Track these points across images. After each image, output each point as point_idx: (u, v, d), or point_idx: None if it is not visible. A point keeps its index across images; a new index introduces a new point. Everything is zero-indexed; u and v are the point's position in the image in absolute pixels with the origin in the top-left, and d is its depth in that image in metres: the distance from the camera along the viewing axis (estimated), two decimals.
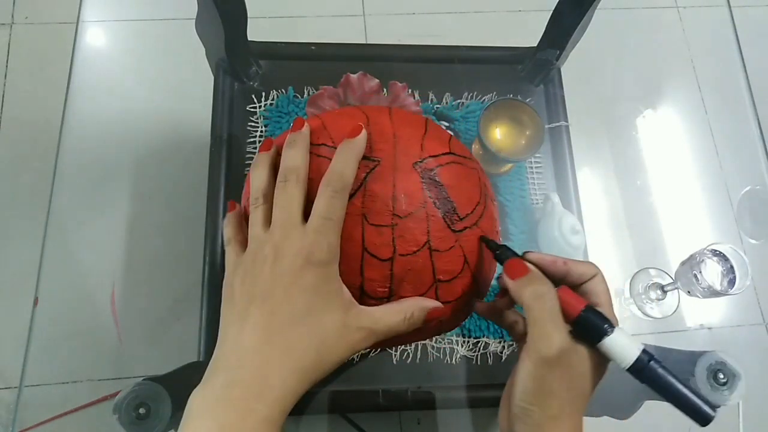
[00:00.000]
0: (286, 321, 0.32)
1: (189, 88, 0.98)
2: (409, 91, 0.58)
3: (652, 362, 0.33)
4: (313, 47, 0.70)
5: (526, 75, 0.70)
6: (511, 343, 0.59)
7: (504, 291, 0.37)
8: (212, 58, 0.66)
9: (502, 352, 0.59)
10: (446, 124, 0.67)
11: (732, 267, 0.65)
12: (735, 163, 0.99)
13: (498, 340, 0.59)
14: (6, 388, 0.85)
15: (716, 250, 0.65)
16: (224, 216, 0.39)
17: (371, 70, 0.56)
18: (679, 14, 1.17)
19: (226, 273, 0.36)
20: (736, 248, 0.65)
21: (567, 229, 0.58)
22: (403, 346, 0.59)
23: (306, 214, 0.34)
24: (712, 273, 0.65)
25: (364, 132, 0.35)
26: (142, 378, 0.45)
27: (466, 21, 1.14)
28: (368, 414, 0.65)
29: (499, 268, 0.59)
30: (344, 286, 0.34)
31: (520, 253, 0.38)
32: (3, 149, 1.00)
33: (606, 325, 0.33)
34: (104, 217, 0.91)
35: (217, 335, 0.34)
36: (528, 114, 0.61)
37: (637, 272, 0.76)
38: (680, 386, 0.32)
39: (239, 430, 0.29)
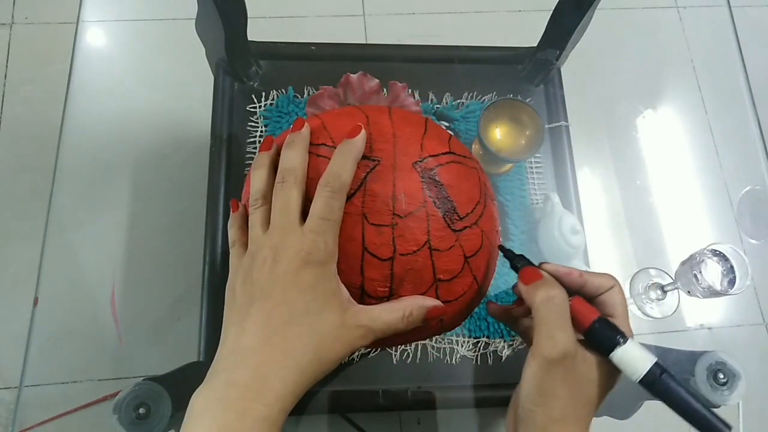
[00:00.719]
0: (284, 321, 0.32)
1: (189, 88, 0.98)
2: (409, 91, 0.58)
3: (664, 375, 0.32)
4: (313, 47, 0.70)
5: (526, 75, 0.70)
6: (511, 342, 0.59)
7: (521, 300, 0.37)
8: (212, 58, 0.66)
9: (502, 352, 0.59)
10: (446, 124, 0.67)
11: (732, 267, 0.65)
12: (735, 163, 0.99)
13: (498, 340, 0.59)
14: (6, 388, 0.85)
15: (716, 250, 0.65)
16: (225, 216, 0.39)
17: (371, 70, 0.57)
18: (679, 14, 1.17)
19: (229, 275, 0.36)
20: (736, 248, 0.64)
21: (567, 229, 0.58)
22: (403, 346, 0.59)
23: (305, 215, 0.34)
24: (712, 273, 0.65)
25: (363, 132, 0.36)
26: (142, 378, 0.45)
27: (466, 21, 1.14)
28: (368, 414, 0.65)
29: (507, 275, 0.60)
30: (342, 285, 0.34)
31: (536, 262, 0.38)
32: (3, 149, 1.00)
33: (618, 336, 0.33)
34: (104, 216, 0.91)
35: (217, 335, 0.34)
36: (528, 114, 0.61)
37: (637, 272, 0.76)
38: (694, 402, 0.32)
39: (238, 430, 0.29)
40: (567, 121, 0.68)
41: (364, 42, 1.07)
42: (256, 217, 0.35)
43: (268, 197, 0.36)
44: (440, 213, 0.36)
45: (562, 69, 0.71)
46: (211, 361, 0.33)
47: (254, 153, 0.64)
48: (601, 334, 0.34)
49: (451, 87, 0.69)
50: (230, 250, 0.37)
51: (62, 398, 0.80)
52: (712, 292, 0.63)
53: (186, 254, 0.81)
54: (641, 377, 0.32)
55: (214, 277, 0.58)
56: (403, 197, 0.35)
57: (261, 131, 0.65)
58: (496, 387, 0.58)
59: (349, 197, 0.35)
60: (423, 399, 0.56)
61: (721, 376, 0.47)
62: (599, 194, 0.89)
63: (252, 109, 0.66)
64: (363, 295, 0.35)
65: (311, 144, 0.37)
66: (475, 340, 0.59)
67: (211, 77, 0.67)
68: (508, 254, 0.39)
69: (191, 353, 0.56)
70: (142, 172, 0.94)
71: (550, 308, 0.34)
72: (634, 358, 0.33)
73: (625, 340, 0.33)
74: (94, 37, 1.06)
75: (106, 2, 1.09)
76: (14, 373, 0.85)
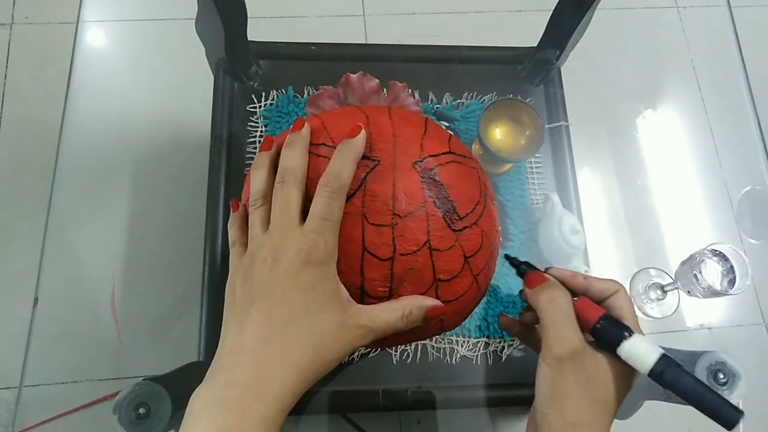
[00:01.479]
0: (284, 321, 0.32)
1: (189, 88, 0.98)
2: (409, 91, 0.58)
3: (671, 366, 0.32)
4: (313, 47, 0.70)
5: (526, 75, 0.70)
6: (511, 342, 0.59)
7: (529, 306, 0.37)
8: (212, 58, 0.66)
9: (502, 352, 0.59)
10: (446, 124, 0.67)
11: (732, 267, 0.65)
12: (735, 163, 0.99)
13: (498, 340, 0.59)
14: (6, 388, 0.85)
15: (716, 250, 0.65)
16: (225, 216, 0.39)
17: (371, 70, 0.57)
18: (679, 14, 1.17)
19: (229, 275, 0.36)
20: (736, 248, 0.64)
21: (567, 229, 0.58)
22: (402, 346, 0.59)
23: (305, 214, 0.34)
24: (712, 273, 0.65)
25: (363, 132, 0.36)
26: (142, 378, 0.45)
27: (466, 21, 1.14)
28: (368, 414, 0.65)
29: (507, 276, 0.60)
30: (342, 285, 0.34)
31: (541, 267, 0.38)
32: (3, 149, 1.00)
33: (623, 331, 0.34)
34: (104, 216, 0.91)
35: (217, 335, 0.34)
36: (528, 114, 0.61)
37: (637, 272, 0.76)
38: (703, 389, 0.32)
39: (237, 429, 0.29)
40: (567, 121, 0.68)
41: (364, 42, 1.07)
42: (256, 217, 0.36)
43: (268, 197, 0.36)
44: (440, 213, 0.36)
45: (562, 69, 0.71)
46: (211, 361, 0.33)
47: (254, 153, 0.64)
48: (606, 330, 0.34)
49: (451, 87, 0.69)
50: (230, 250, 0.37)
51: (62, 398, 0.80)
52: (712, 292, 0.63)
53: (186, 254, 0.81)
54: (650, 369, 0.32)
55: (214, 277, 0.58)
56: (403, 197, 0.35)
57: (261, 131, 0.65)
58: (496, 387, 0.58)
59: (349, 197, 0.35)
60: (423, 399, 0.56)
61: (721, 376, 0.47)
62: (599, 194, 0.89)
63: (252, 109, 0.66)
64: (363, 295, 0.35)
65: (311, 144, 0.37)
66: (475, 340, 0.59)
67: (211, 77, 0.67)
68: (514, 262, 0.39)
69: (191, 353, 0.56)
70: (142, 172, 0.94)
71: (554, 309, 0.34)
72: (641, 351, 0.33)
73: (631, 333, 0.34)
74: (94, 37, 1.05)
75: (106, 2, 1.09)
76: (14, 373, 0.85)
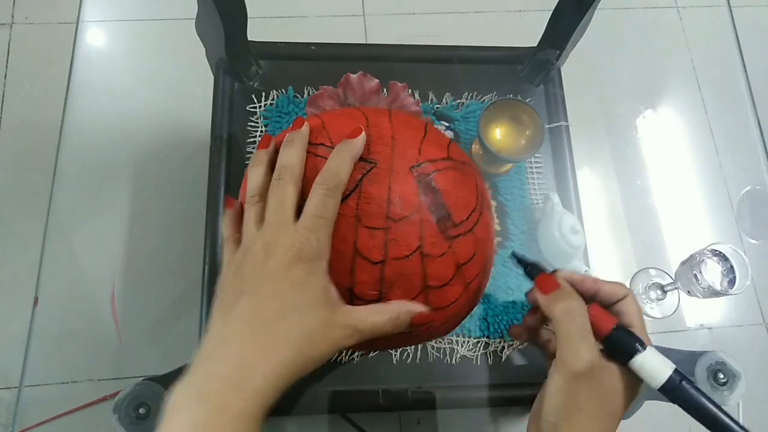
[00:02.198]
0: (270, 315, 0.31)
1: (189, 88, 0.98)
2: (409, 91, 0.58)
3: (683, 382, 0.32)
4: (313, 47, 0.70)
5: (526, 75, 0.70)
6: (511, 342, 0.59)
7: (536, 308, 0.37)
8: (212, 58, 0.66)
9: (502, 352, 0.59)
10: (446, 124, 0.67)
11: (732, 267, 0.65)
12: (735, 163, 0.99)
13: (498, 340, 0.59)
14: (6, 388, 0.85)
15: (716, 250, 0.65)
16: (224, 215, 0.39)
17: (371, 70, 0.56)
18: (679, 14, 1.17)
19: (222, 270, 0.36)
20: (736, 248, 0.65)
21: (567, 229, 0.58)
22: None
23: (300, 213, 0.34)
24: (712, 273, 0.65)
25: (363, 134, 0.36)
26: (142, 378, 0.45)
27: (466, 21, 1.14)
28: (368, 414, 0.65)
29: (508, 276, 0.59)
30: (332, 284, 0.34)
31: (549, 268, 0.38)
32: (3, 149, 1.00)
33: (637, 344, 0.33)
34: (104, 217, 0.91)
35: None
36: (528, 114, 0.61)
37: (637, 272, 0.76)
38: (712, 407, 0.32)
39: (215, 424, 0.28)
40: (567, 121, 0.68)
41: (364, 42, 1.07)
42: (251, 214, 0.35)
43: (264, 194, 0.36)
44: (434, 219, 0.36)
45: (562, 69, 0.71)
46: None
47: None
48: (620, 342, 0.34)
49: (451, 87, 0.69)
50: (223, 246, 0.37)
51: (62, 398, 0.80)
52: (712, 292, 0.63)
53: (186, 254, 0.81)
54: (661, 384, 0.32)
55: (214, 278, 0.58)
56: (397, 201, 0.35)
57: (261, 131, 0.65)
58: (496, 387, 0.58)
59: (344, 198, 0.34)
60: (423, 399, 0.56)
61: (721, 376, 0.47)
62: (599, 194, 0.89)
63: (252, 109, 0.66)
64: (352, 297, 0.35)
65: (310, 143, 0.37)
66: (475, 340, 0.59)
67: (211, 77, 0.67)
68: (522, 262, 0.38)
69: (191, 353, 0.56)
70: (142, 172, 0.94)
71: (571, 321, 0.33)
72: (653, 366, 0.33)
73: (644, 347, 0.33)
74: (94, 37, 1.06)
75: (106, 2, 1.09)
76: (14, 373, 0.85)
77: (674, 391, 0.32)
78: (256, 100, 0.66)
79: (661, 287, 0.74)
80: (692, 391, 0.32)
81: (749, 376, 0.47)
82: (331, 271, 0.34)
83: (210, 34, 0.60)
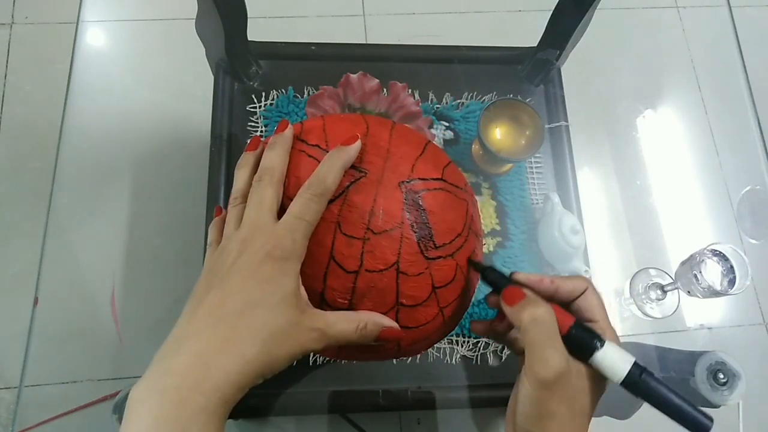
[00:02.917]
0: (235, 310, 0.31)
1: (189, 88, 0.98)
2: (409, 91, 0.58)
3: (644, 375, 0.32)
4: (313, 47, 0.70)
5: (526, 75, 0.70)
6: None
7: (503, 315, 0.37)
8: (212, 58, 0.66)
9: (502, 352, 0.59)
10: (446, 124, 0.67)
11: (732, 267, 0.65)
12: (735, 163, 0.99)
13: None
14: (6, 388, 0.85)
15: (716, 250, 0.65)
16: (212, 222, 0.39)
17: (371, 70, 0.56)
18: (679, 14, 1.17)
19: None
20: (736, 248, 0.64)
21: (567, 229, 0.58)
22: None
23: (281, 216, 0.34)
24: (712, 273, 0.65)
25: (358, 142, 0.36)
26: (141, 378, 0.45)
27: (466, 21, 1.14)
28: (368, 414, 0.65)
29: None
30: (302, 286, 0.34)
31: (503, 270, 0.37)
32: (3, 149, 1.00)
33: (595, 341, 0.33)
34: (104, 216, 0.91)
35: None
36: (528, 114, 0.61)
37: (637, 272, 0.76)
38: (674, 398, 0.32)
39: (175, 419, 0.28)
40: (567, 121, 0.68)
41: (364, 42, 1.07)
42: (232, 215, 0.36)
43: (246, 196, 0.36)
44: (415, 237, 0.35)
45: (562, 69, 0.71)
46: None
47: None
48: (578, 341, 0.33)
49: (451, 87, 0.69)
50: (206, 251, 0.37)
51: (62, 398, 0.80)
52: (712, 292, 0.63)
53: (186, 254, 0.81)
54: (622, 379, 0.32)
55: None
56: (380, 214, 0.35)
57: (261, 131, 0.65)
58: (496, 387, 0.58)
59: (328, 203, 0.34)
60: (423, 399, 0.56)
61: (721, 376, 0.47)
62: (599, 194, 0.89)
63: (252, 109, 0.66)
64: (322, 303, 0.35)
65: (306, 143, 0.37)
66: (475, 340, 0.59)
67: (211, 77, 0.67)
68: (478, 267, 0.38)
69: None
70: (142, 172, 0.94)
71: (538, 328, 0.33)
72: (613, 361, 0.33)
73: (602, 343, 0.33)
74: (94, 37, 1.06)
75: (106, 2, 1.09)
76: (14, 373, 0.85)
77: (636, 385, 0.32)
78: (256, 100, 0.66)
79: (661, 287, 0.74)
80: (653, 383, 0.32)
81: (749, 376, 0.47)
82: (304, 274, 0.34)
83: (210, 34, 0.60)
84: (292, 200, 0.34)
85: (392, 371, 0.58)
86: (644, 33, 1.13)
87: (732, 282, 0.64)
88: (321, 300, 0.35)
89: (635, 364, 0.33)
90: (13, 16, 1.10)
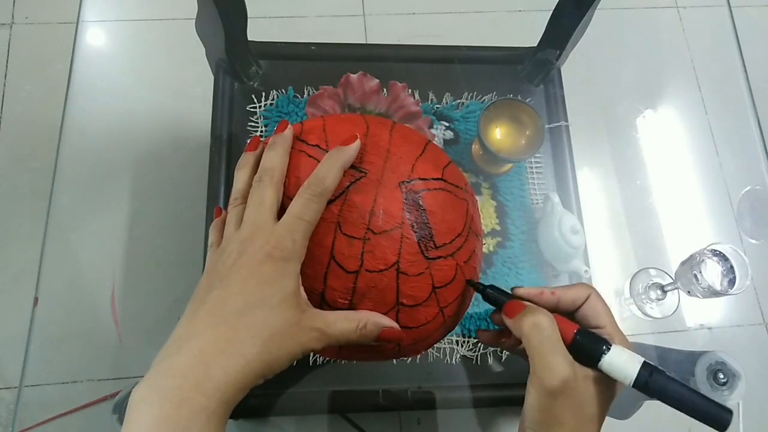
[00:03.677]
0: (236, 310, 0.31)
1: (189, 88, 0.98)
2: (409, 91, 0.58)
3: (654, 374, 0.32)
4: (313, 47, 0.70)
5: (526, 75, 0.70)
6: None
7: (509, 331, 0.37)
8: (212, 58, 0.66)
9: (502, 352, 0.59)
10: (446, 124, 0.67)
11: (732, 267, 0.64)
12: (735, 163, 0.99)
13: None
14: (6, 388, 0.85)
15: (716, 250, 0.65)
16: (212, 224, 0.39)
17: (371, 70, 0.57)
18: (679, 14, 1.17)
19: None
20: (736, 248, 0.64)
21: (567, 229, 0.58)
22: None
23: (281, 216, 0.34)
24: (712, 273, 0.65)
25: (357, 142, 0.36)
26: (141, 378, 0.45)
27: (466, 21, 1.14)
28: (368, 414, 0.65)
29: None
30: (302, 287, 0.34)
31: (506, 288, 0.37)
32: (3, 149, 1.00)
33: (602, 345, 0.33)
34: (104, 216, 0.91)
35: None
36: (528, 114, 0.61)
37: (637, 272, 0.76)
38: (689, 394, 0.32)
39: (175, 420, 0.28)
40: (567, 121, 0.68)
41: (364, 42, 1.07)
42: (232, 216, 0.36)
43: (246, 197, 0.36)
44: (415, 237, 0.35)
45: (562, 69, 0.71)
46: None
47: None
48: (585, 347, 0.33)
49: (451, 87, 0.69)
50: (207, 253, 0.37)
51: (62, 398, 0.80)
52: (712, 292, 0.63)
53: (186, 254, 0.81)
54: (633, 381, 0.32)
55: None
56: (381, 214, 0.35)
57: (261, 131, 0.65)
58: (496, 387, 0.58)
59: (329, 203, 0.34)
60: (423, 399, 0.56)
61: (721, 376, 0.47)
62: (599, 194, 0.89)
63: (252, 109, 0.66)
64: (322, 303, 0.35)
65: (305, 143, 0.37)
66: (475, 340, 0.59)
67: (211, 77, 0.67)
68: (478, 287, 0.38)
69: None
70: (142, 172, 0.94)
71: (539, 334, 0.33)
72: (621, 364, 0.32)
73: (609, 347, 0.33)
74: (94, 37, 1.05)
75: (106, 2, 1.09)
76: (14, 373, 0.85)
77: (647, 385, 0.32)
78: (256, 100, 0.66)
79: (661, 287, 0.74)
80: (665, 382, 0.32)
81: (749, 376, 0.47)
82: (304, 274, 0.34)
83: (210, 34, 0.60)
84: (292, 200, 0.34)
85: (392, 371, 0.58)
86: (644, 33, 1.13)
87: (732, 282, 0.64)
88: (321, 300, 0.35)
89: (644, 364, 0.32)
90: (13, 16, 1.10)
